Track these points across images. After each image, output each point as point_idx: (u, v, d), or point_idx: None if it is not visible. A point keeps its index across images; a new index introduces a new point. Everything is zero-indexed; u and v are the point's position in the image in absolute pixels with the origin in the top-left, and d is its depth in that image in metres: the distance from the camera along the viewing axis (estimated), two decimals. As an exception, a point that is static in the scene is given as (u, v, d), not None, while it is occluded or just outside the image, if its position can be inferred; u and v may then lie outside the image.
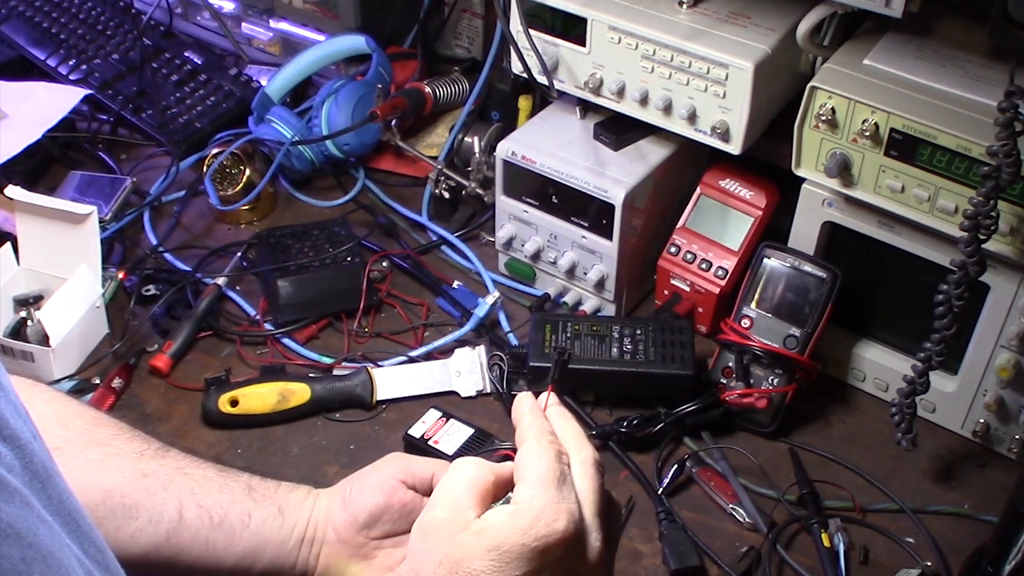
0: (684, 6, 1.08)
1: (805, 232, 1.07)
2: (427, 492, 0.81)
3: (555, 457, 0.66)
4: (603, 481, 0.67)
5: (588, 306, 1.19)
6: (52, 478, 0.45)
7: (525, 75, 1.13)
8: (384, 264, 1.24)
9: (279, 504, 0.80)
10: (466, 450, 1.02)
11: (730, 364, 1.07)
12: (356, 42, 1.38)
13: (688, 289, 1.15)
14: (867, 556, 0.96)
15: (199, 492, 0.79)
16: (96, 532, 0.49)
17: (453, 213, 1.32)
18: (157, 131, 1.41)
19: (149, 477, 0.78)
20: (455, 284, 1.22)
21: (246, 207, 1.31)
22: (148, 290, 1.20)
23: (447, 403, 1.09)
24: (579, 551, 0.64)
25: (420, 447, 1.03)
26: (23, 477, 0.43)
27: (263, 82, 1.44)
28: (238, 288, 1.23)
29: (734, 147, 1.06)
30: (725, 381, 1.07)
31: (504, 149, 1.15)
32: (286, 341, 1.16)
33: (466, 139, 1.32)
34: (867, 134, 0.95)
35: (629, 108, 1.11)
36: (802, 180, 1.04)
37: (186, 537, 0.77)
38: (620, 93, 1.10)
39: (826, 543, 0.95)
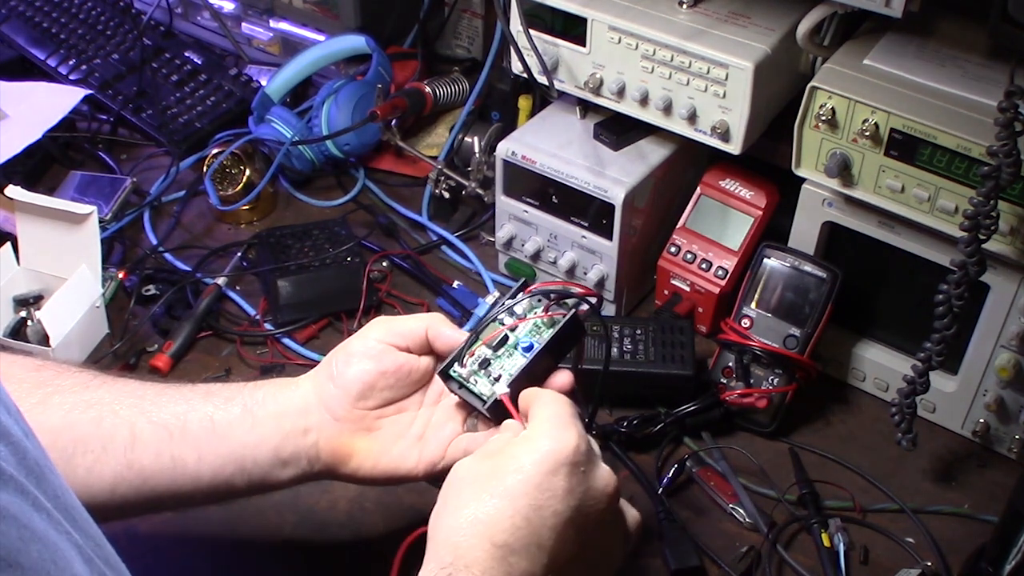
0: (684, 6, 1.08)
1: (805, 232, 1.07)
2: (422, 350, 0.79)
3: (570, 403, 0.72)
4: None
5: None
6: (46, 474, 0.46)
7: (525, 75, 1.13)
8: (384, 264, 1.24)
9: (243, 403, 0.77)
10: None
11: (730, 364, 1.07)
12: (356, 42, 1.38)
13: (688, 289, 1.15)
14: (867, 556, 0.96)
15: (152, 409, 0.75)
16: (94, 527, 0.49)
17: (453, 213, 1.32)
18: (157, 131, 1.41)
19: (96, 406, 0.74)
20: (455, 284, 1.22)
21: (246, 207, 1.31)
22: (148, 290, 1.20)
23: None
24: (590, 469, 0.69)
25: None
26: (18, 471, 0.44)
27: (263, 82, 1.44)
28: (238, 288, 1.23)
29: (734, 147, 1.06)
30: (725, 381, 1.07)
31: (504, 149, 1.15)
32: (286, 341, 1.16)
33: (466, 139, 1.32)
34: (867, 134, 0.95)
35: (629, 108, 1.11)
36: (802, 180, 1.04)
37: (148, 458, 0.73)
38: (620, 93, 1.10)
39: (826, 543, 0.95)
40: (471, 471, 0.70)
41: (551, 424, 0.70)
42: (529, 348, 0.79)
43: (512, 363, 0.78)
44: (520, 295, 0.82)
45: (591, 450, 0.71)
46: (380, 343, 0.78)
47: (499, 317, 0.81)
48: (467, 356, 0.79)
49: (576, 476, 0.68)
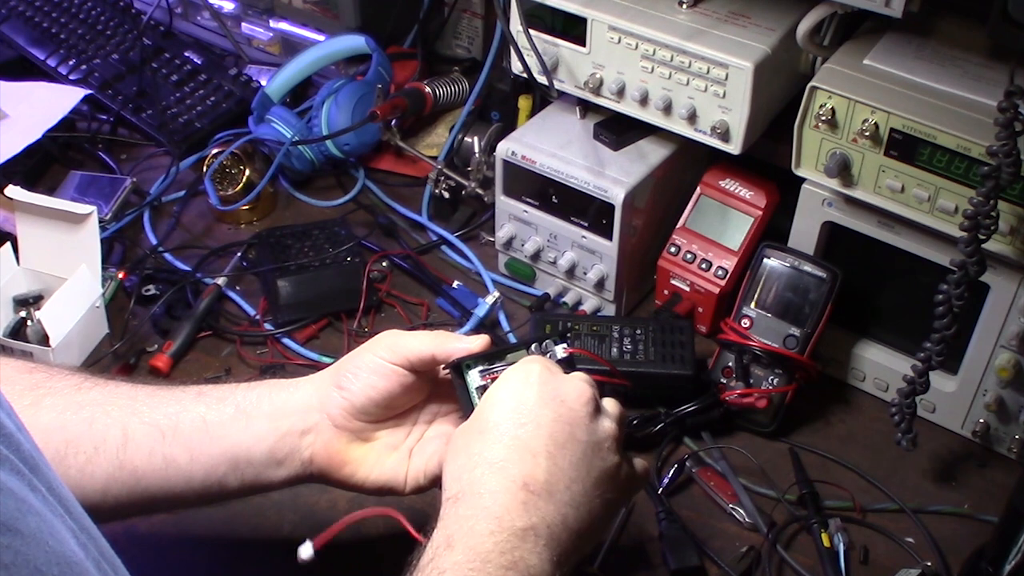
0: (684, 6, 1.08)
1: (805, 232, 1.07)
2: (427, 371, 0.80)
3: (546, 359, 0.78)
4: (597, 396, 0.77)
5: (588, 306, 1.19)
6: (40, 467, 0.46)
7: (525, 75, 1.13)
8: (384, 264, 1.24)
9: (236, 403, 0.77)
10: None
11: (730, 364, 1.07)
12: (356, 42, 1.38)
13: (688, 289, 1.15)
14: (867, 556, 0.96)
15: (144, 410, 0.75)
16: (89, 521, 0.49)
17: (453, 213, 1.32)
18: (157, 131, 1.41)
19: (88, 407, 0.75)
20: (455, 284, 1.22)
21: (246, 207, 1.31)
22: (148, 290, 1.20)
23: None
24: (559, 383, 0.74)
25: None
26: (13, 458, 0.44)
27: (263, 82, 1.44)
28: (238, 288, 1.23)
29: (734, 147, 1.06)
30: (725, 381, 1.07)
31: (504, 149, 1.15)
32: (286, 341, 1.16)
33: (466, 139, 1.32)
34: (867, 134, 0.95)
35: (629, 108, 1.11)
36: (802, 180, 1.04)
37: (140, 458, 0.74)
38: (620, 93, 1.10)
39: (826, 543, 0.95)
40: (457, 434, 0.75)
41: (514, 366, 0.77)
42: None
43: None
44: (562, 349, 0.82)
45: (557, 371, 0.76)
46: (388, 363, 0.78)
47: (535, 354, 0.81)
48: (489, 375, 0.79)
49: (546, 390, 0.73)
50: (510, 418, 0.72)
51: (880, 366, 1.10)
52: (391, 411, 0.80)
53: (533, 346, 0.82)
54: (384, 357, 0.78)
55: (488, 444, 0.71)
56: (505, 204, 1.19)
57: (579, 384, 0.75)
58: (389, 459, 0.80)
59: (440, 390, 0.83)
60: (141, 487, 0.74)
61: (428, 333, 0.81)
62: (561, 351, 0.82)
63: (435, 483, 0.78)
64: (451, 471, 0.72)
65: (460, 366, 0.79)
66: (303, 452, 0.77)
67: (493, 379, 0.78)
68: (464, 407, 0.79)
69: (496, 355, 0.80)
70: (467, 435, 0.73)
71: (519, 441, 0.70)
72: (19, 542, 0.41)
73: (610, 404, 0.78)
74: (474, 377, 0.79)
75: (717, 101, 1.04)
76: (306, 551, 0.74)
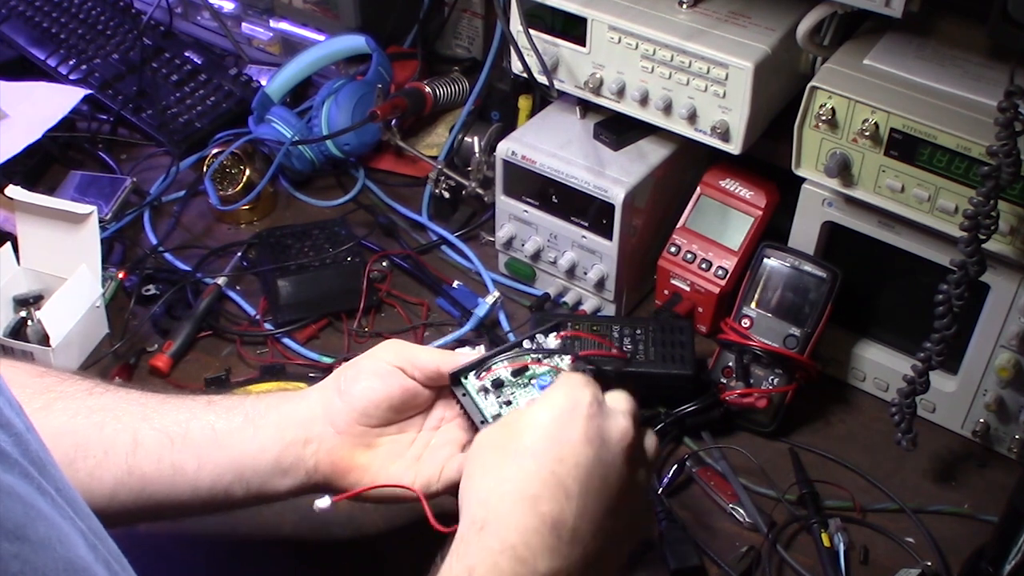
0: (684, 6, 1.08)
1: (805, 232, 1.07)
2: (430, 382, 0.79)
3: (582, 375, 0.74)
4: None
5: (588, 306, 1.19)
6: (48, 468, 0.46)
7: (525, 75, 1.13)
8: (384, 264, 1.24)
9: (245, 413, 0.77)
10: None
11: (730, 364, 1.07)
12: (356, 42, 1.38)
13: (688, 289, 1.15)
14: (867, 556, 0.96)
15: (155, 416, 0.76)
16: (97, 522, 0.49)
17: (453, 213, 1.32)
18: (157, 131, 1.42)
19: (99, 412, 0.75)
20: (455, 284, 1.22)
21: (246, 207, 1.31)
22: (148, 290, 1.20)
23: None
24: (604, 421, 0.70)
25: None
26: (22, 460, 0.44)
27: (263, 82, 1.44)
28: (238, 288, 1.23)
29: (734, 147, 1.06)
30: (725, 381, 1.07)
31: (504, 149, 1.15)
32: (286, 341, 1.16)
33: (466, 139, 1.32)
34: (867, 134, 0.95)
35: (629, 108, 1.11)
36: (802, 180, 1.04)
37: (148, 464, 0.74)
38: (620, 93, 1.10)
39: (826, 543, 0.95)
40: (491, 438, 0.72)
41: (563, 383, 0.72)
42: (544, 387, 0.79)
43: (524, 393, 0.79)
44: (553, 337, 0.82)
45: (605, 404, 0.72)
46: (390, 365, 0.78)
47: (529, 352, 0.81)
48: (485, 372, 0.79)
49: (591, 426, 0.69)
50: (550, 450, 0.68)
51: (880, 366, 1.10)
52: (394, 414, 0.79)
53: (525, 342, 0.81)
54: (386, 359, 0.78)
55: (522, 473, 0.68)
56: (505, 204, 1.19)
57: (624, 423, 0.72)
58: (394, 466, 0.79)
59: (446, 395, 0.82)
60: (147, 493, 0.74)
61: (435, 350, 0.81)
62: (553, 339, 0.82)
63: (449, 489, 0.76)
64: (477, 491, 0.69)
65: (458, 377, 0.79)
66: (308, 461, 0.77)
67: (491, 373, 0.78)
68: (473, 414, 0.78)
69: (489, 357, 0.80)
70: (497, 452, 0.70)
71: (556, 477, 0.67)
72: (27, 550, 0.41)
73: (650, 444, 0.76)
74: (472, 381, 0.79)
75: (717, 101, 1.04)
76: (323, 502, 0.74)
